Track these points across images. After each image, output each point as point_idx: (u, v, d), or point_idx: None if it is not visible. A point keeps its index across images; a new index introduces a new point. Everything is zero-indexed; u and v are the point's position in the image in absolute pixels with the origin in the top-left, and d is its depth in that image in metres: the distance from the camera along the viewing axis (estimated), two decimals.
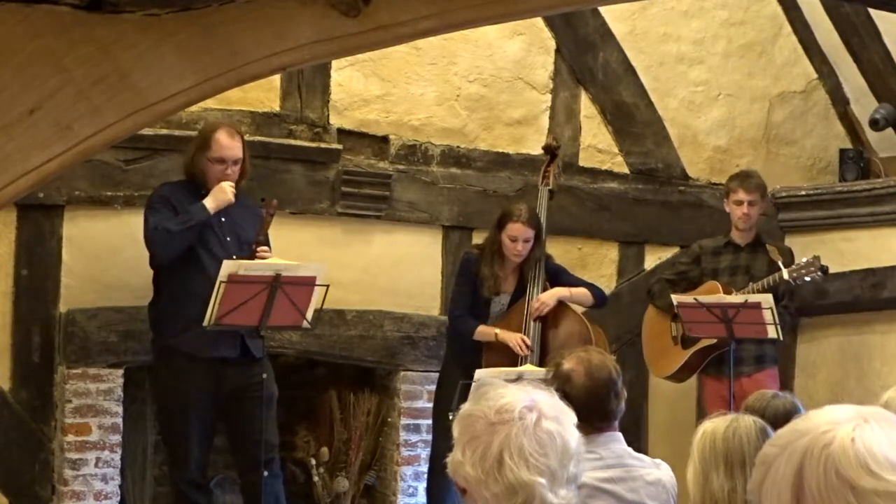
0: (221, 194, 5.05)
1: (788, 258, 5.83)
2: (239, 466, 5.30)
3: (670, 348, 5.97)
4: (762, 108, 6.88)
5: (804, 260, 5.65)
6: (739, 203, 5.96)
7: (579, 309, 5.75)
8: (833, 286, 5.89)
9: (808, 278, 5.62)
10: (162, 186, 5.22)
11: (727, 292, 5.75)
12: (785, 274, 5.62)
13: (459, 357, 5.60)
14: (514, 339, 5.51)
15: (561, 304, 5.65)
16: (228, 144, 5.08)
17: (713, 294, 5.76)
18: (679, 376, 6.09)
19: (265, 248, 5.14)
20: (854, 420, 1.45)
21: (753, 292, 5.67)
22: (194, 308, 4.91)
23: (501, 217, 5.59)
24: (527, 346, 5.49)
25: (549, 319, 5.64)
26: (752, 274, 5.88)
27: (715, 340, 5.74)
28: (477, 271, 5.61)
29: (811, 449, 1.43)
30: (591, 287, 5.78)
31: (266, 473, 5.07)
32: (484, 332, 5.59)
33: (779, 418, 3.41)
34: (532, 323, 5.59)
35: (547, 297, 5.61)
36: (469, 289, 5.64)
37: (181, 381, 5.05)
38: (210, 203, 5.05)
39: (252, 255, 5.06)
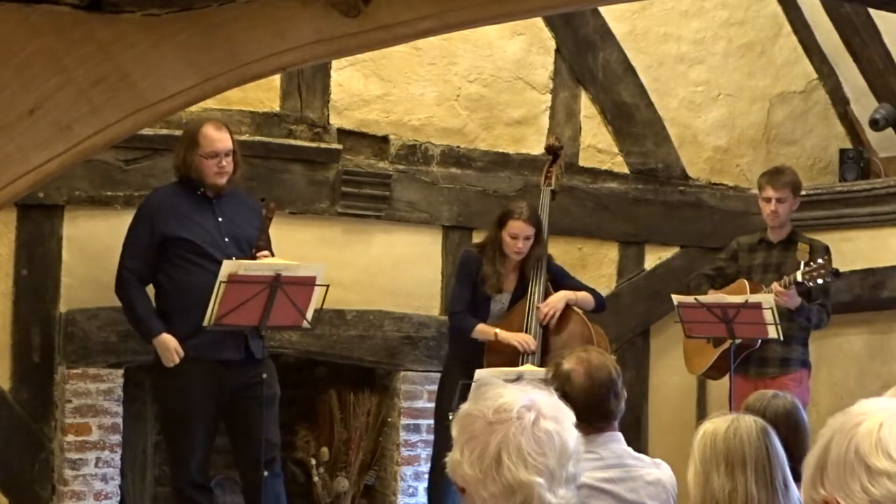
0: (167, 353, 5.02)
1: (819, 255, 5.74)
2: (241, 466, 5.30)
3: (703, 346, 5.95)
4: (762, 108, 6.88)
5: (819, 261, 5.62)
6: (768, 200, 5.89)
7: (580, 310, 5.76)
8: (833, 286, 5.88)
9: (820, 281, 5.58)
10: (156, 192, 5.19)
11: (756, 290, 5.71)
12: (798, 276, 5.58)
13: (460, 358, 5.60)
14: (516, 337, 5.51)
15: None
16: (217, 137, 5.07)
17: (741, 292, 5.74)
18: (711, 374, 6.07)
19: (265, 252, 5.13)
20: (892, 410, 1.51)
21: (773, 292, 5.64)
22: (196, 311, 4.90)
23: (502, 215, 5.60)
24: (531, 343, 5.50)
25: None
26: (782, 272, 5.80)
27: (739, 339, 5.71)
28: (477, 269, 5.61)
29: (843, 427, 1.52)
30: (592, 292, 5.79)
31: (266, 473, 5.06)
32: (483, 330, 5.59)
33: (779, 418, 3.41)
34: (534, 323, 5.59)
35: (555, 301, 5.61)
36: (469, 286, 5.64)
37: (183, 384, 5.04)
38: (160, 346, 5.02)
39: (253, 259, 5.06)
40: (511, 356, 5.48)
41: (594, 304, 5.73)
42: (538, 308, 5.59)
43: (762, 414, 3.32)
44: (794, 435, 3.40)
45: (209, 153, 5.06)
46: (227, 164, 5.09)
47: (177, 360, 5.01)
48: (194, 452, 5.08)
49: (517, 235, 5.53)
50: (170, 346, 5.01)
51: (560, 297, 5.64)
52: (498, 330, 5.56)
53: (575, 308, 5.68)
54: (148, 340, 5.08)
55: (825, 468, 1.51)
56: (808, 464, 1.55)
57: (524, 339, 5.51)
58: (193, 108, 5.21)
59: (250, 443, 5.09)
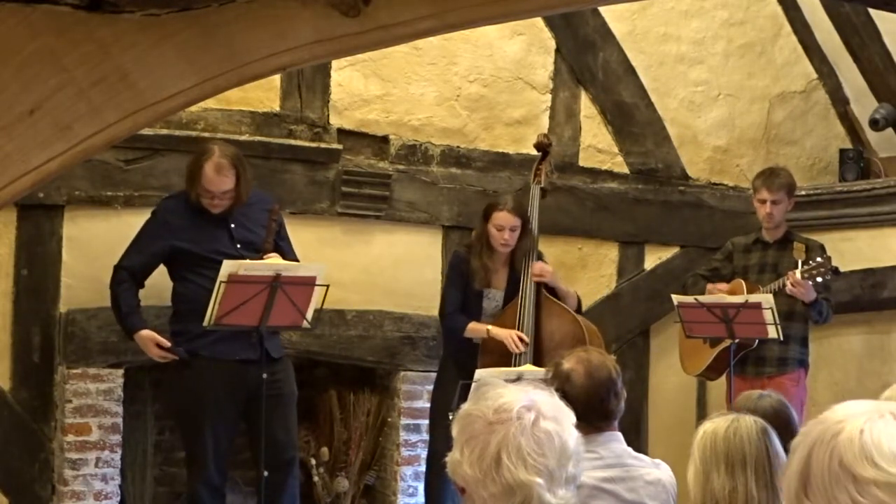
0: (150, 348, 5.06)
1: (816, 253, 5.74)
2: (259, 466, 5.27)
3: (700, 347, 5.95)
4: (762, 108, 6.88)
5: (818, 259, 5.63)
6: (763, 202, 5.90)
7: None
8: (833, 286, 5.88)
9: (819, 279, 5.58)
10: (170, 200, 5.19)
11: (752, 290, 5.72)
12: (797, 274, 5.59)
13: (456, 357, 5.60)
14: (507, 334, 5.50)
15: (556, 304, 5.65)
16: (214, 179, 5.05)
17: (738, 292, 5.75)
18: (707, 375, 6.07)
19: (273, 254, 5.13)
20: (869, 414, 1.46)
21: (770, 291, 5.64)
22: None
23: (487, 208, 5.61)
24: (523, 343, 5.48)
25: (543, 319, 5.63)
26: (779, 272, 5.81)
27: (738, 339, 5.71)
28: (466, 268, 5.62)
29: (821, 438, 1.46)
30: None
31: (266, 474, 5.04)
32: (475, 328, 5.58)
33: (767, 418, 3.40)
34: (528, 321, 5.58)
35: (550, 267, 5.67)
36: (459, 286, 5.64)
37: (199, 383, 5.03)
38: (141, 342, 5.05)
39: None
40: (505, 355, 5.47)
41: (575, 303, 5.73)
42: (532, 268, 5.59)
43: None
44: (785, 433, 3.40)
45: (204, 191, 5.08)
46: (221, 200, 5.09)
47: (160, 353, 5.03)
48: (210, 453, 5.05)
49: (503, 227, 5.53)
50: (149, 340, 5.04)
51: (551, 269, 5.67)
52: (490, 326, 5.56)
53: (566, 307, 5.67)
54: (130, 337, 5.09)
55: (808, 481, 1.46)
56: (789, 477, 1.49)
57: (516, 334, 5.49)
58: (193, 108, 5.23)
59: (268, 442, 5.08)
